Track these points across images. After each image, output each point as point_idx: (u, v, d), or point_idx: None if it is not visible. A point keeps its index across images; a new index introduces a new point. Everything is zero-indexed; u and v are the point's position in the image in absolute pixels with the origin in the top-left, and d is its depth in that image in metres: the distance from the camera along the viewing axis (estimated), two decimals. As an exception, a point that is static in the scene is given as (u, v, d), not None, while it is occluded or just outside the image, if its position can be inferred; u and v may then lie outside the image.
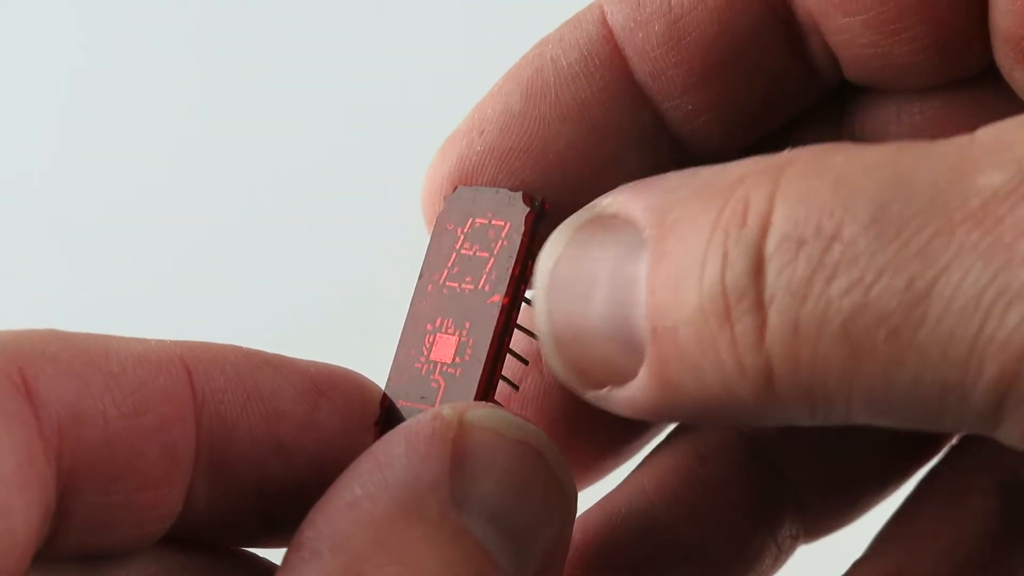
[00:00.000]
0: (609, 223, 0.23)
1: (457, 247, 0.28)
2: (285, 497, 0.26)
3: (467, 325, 0.27)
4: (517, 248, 0.27)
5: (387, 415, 0.27)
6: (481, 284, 0.28)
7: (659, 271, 0.22)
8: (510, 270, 0.27)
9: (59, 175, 0.72)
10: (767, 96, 0.27)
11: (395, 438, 0.24)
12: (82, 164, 0.72)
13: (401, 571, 0.22)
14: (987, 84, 0.26)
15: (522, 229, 0.28)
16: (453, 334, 0.27)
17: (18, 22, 0.76)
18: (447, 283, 0.28)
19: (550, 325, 0.24)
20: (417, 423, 0.25)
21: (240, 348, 0.27)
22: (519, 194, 0.28)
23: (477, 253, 0.28)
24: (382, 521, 0.23)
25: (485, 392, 0.27)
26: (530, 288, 0.28)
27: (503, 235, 0.28)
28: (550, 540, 0.25)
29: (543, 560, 0.25)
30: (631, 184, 0.24)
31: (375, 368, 0.28)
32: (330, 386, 0.27)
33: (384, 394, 0.27)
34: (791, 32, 0.26)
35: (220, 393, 0.26)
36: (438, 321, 0.28)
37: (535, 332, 0.25)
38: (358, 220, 0.67)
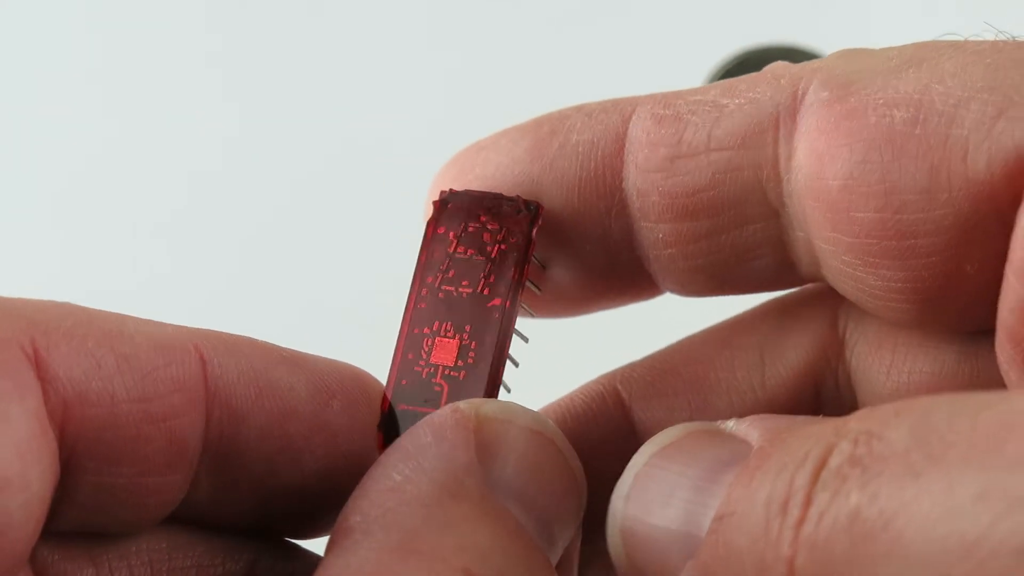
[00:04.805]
0: (726, 437, 0.23)
1: (451, 251, 0.28)
2: (288, 492, 0.26)
3: (468, 328, 0.27)
4: (516, 252, 0.27)
5: (389, 419, 0.27)
6: (479, 288, 0.27)
7: (748, 469, 0.21)
8: (509, 274, 0.27)
9: (82, 162, 0.71)
10: (737, 264, 0.27)
11: (420, 430, 0.24)
12: (104, 152, 0.71)
13: (458, 544, 0.22)
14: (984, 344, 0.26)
15: (517, 232, 0.28)
16: (453, 337, 0.27)
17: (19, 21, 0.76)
18: (442, 287, 0.28)
19: (623, 512, 0.23)
20: (438, 416, 0.25)
21: (256, 342, 0.26)
22: (514, 198, 0.28)
23: (473, 257, 0.28)
24: (430, 499, 0.23)
25: (490, 394, 0.27)
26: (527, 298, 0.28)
27: (499, 238, 0.28)
28: (570, 526, 0.25)
29: (564, 545, 0.25)
30: (765, 420, 0.23)
31: (378, 364, 0.28)
32: (341, 387, 0.27)
33: (385, 398, 0.27)
34: (779, 218, 0.26)
35: (232, 386, 0.25)
36: (436, 325, 0.27)
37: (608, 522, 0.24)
38: (366, 215, 0.67)
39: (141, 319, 0.25)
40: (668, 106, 0.26)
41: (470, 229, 0.28)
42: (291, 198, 0.70)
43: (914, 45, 0.24)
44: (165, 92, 0.73)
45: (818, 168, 0.24)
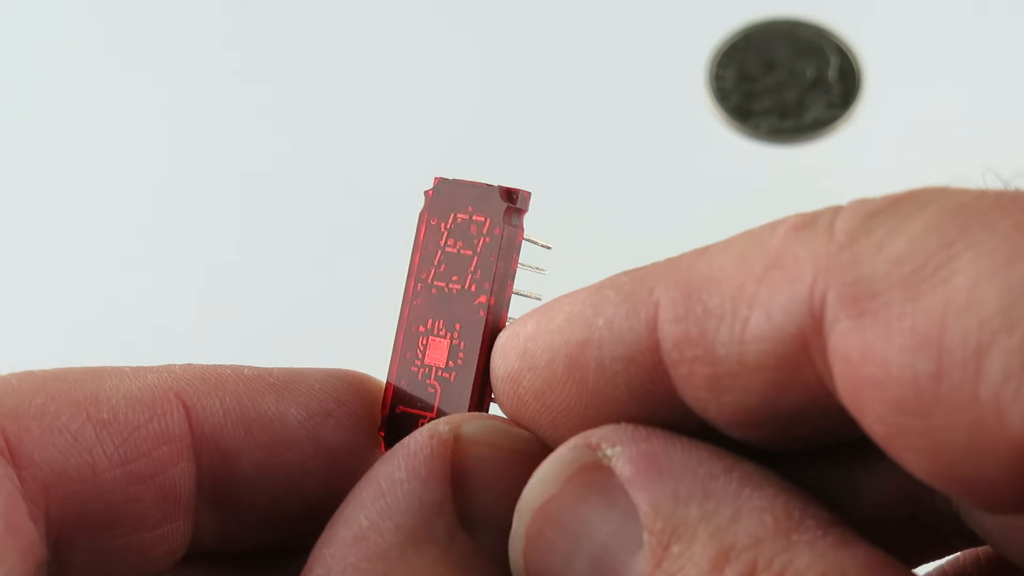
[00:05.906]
0: (609, 488, 0.22)
1: (442, 244, 0.28)
2: (293, 516, 0.26)
3: (457, 327, 0.27)
4: (499, 245, 0.27)
5: (390, 422, 0.27)
6: (467, 284, 0.27)
7: None
8: (494, 269, 0.27)
9: (56, 177, 0.73)
10: (814, 440, 0.25)
11: (395, 462, 0.24)
12: (82, 165, 0.74)
13: None
14: None
15: (502, 224, 0.27)
16: (444, 336, 0.27)
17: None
18: (435, 282, 0.28)
19: (525, 571, 0.23)
20: (415, 443, 0.25)
21: (241, 372, 0.26)
22: (496, 187, 0.28)
23: (461, 251, 0.27)
24: (392, 552, 0.23)
25: (480, 397, 0.27)
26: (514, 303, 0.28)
27: (484, 231, 0.27)
28: None
29: None
30: (640, 439, 0.22)
31: (379, 360, 0.28)
32: (336, 403, 0.27)
33: (384, 400, 0.28)
34: (840, 414, 0.23)
35: (220, 428, 0.25)
36: (429, 323, 0.27)
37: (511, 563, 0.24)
38: (363, 211, 0.69)
39: (118, 370, 0.25)
40: (688, 311, 0.23)
41: (459, 220, 0.28)
42: (307, 196, 0.71)
43: (923, 224, 0.21)
44: (148, 96, 0.75)
45: (857, 410, 0.22)
